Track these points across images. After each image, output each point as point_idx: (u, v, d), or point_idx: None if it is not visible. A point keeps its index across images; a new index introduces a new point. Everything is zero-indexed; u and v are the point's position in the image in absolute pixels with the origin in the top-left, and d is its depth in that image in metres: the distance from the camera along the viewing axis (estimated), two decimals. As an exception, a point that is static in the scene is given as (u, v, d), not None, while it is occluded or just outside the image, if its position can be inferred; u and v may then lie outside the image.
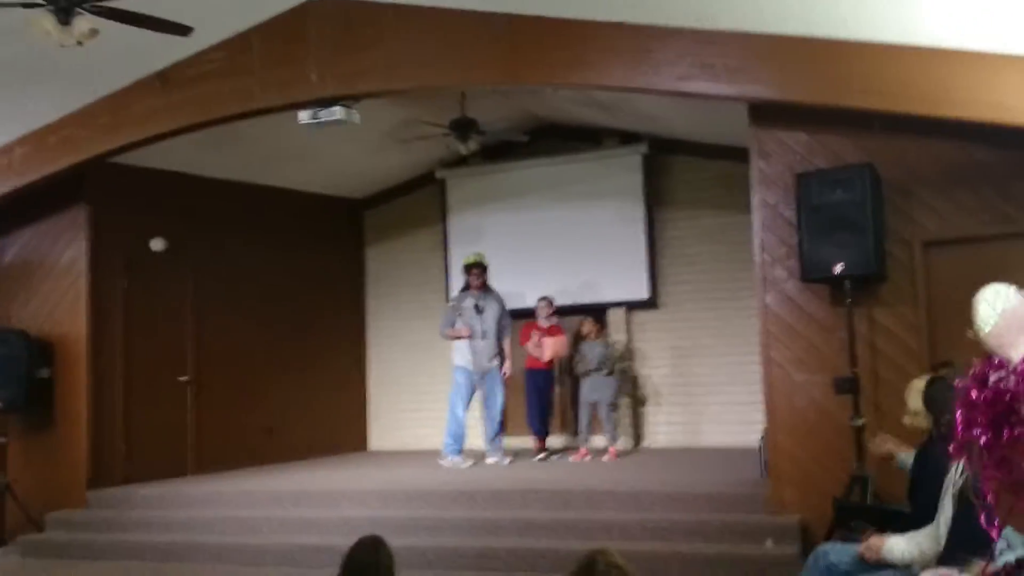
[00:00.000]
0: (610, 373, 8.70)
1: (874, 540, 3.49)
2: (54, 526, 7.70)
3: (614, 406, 8.79)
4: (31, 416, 8.05)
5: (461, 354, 8.72)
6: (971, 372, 1.51)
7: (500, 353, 8.69)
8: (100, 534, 7.42)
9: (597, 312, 9.72)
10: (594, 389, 8.67)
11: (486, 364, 8.61)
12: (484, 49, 6.42)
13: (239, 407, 9.21)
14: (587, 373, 8.75)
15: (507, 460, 8.59)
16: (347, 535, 6.57)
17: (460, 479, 7.62)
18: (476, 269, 8.68)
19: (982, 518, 1.57)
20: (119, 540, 7.26)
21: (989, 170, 5.90)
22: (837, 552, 3.61)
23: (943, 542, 3.26)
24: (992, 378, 1.46)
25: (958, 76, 5.45)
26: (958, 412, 1.51)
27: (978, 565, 2.03)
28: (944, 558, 2.67)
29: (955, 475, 3.18)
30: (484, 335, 8.59)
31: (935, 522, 3.35)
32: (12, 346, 7.89)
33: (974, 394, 1.46)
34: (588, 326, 8.85)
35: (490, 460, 8.62)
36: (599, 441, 8.93)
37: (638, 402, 9.78)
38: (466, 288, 8.81)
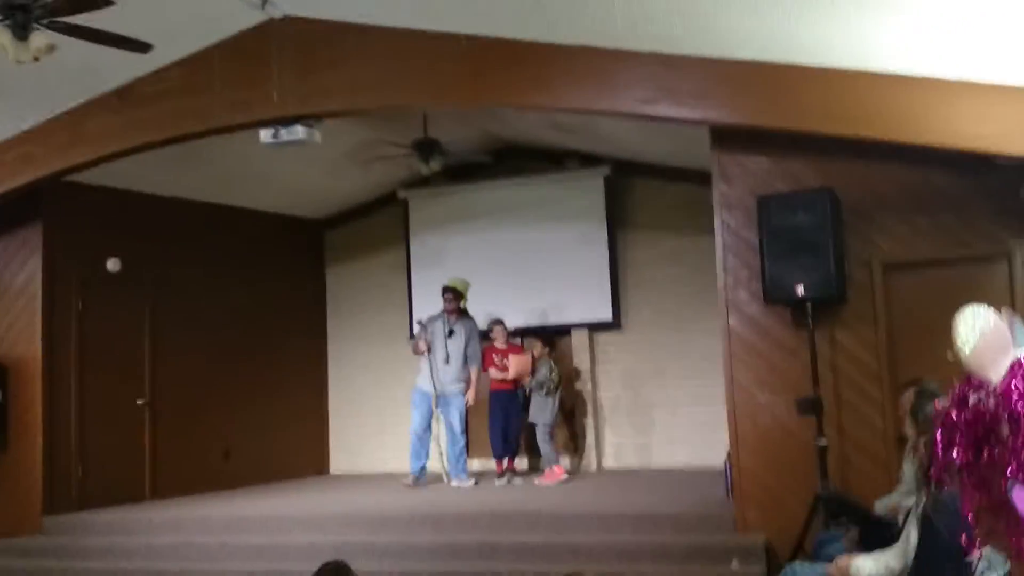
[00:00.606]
0: (549, 394, 8.67)
1: (841, 560, 3.51)
2: (8, 553, 7.48)
3: (551, 427, 8.74)
4: (-18, 441, 7.85)
5: (422, 375, 8.75)
6: (951, 393, 1.52)
7: (465, 380, 8.69)
8: (56, 561, 7.23)
9: (561, 333, 9.73)
10: (536, 410, 8.67)
11: (448, 388, 8.63)
12: (447, 70, 6.41)
13: (197, 431, 9.06)
14: (529, 394, 8.79)
15: (470, 482, 8.54)
16: (309, 560, 6.48)
17: (424, 502, 7.55)
18: (449, 294, 8.75)
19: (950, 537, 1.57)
20: (76, 567, 7.07)
21: (947, 195, 6.02)
22: (804, 572, 3.62)
23: (911, 560, 3.28)
24: (972, 399, 1.47)
25: (916, 102, 5.55)
26: (937, 433, 1.52)
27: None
28: None
29: (920, 496, 3.21)
30: (448, 359, 8.62)
31: (902, 539, 3.37)
32: (-37, 369, 7.71)
33: (954, 415, 1.46)
34: (538, 347, 8.85)
35: (454, 483, 8.57)
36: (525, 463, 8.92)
37: (598, 423, 9.77)
38: (444, 310, 8.83)
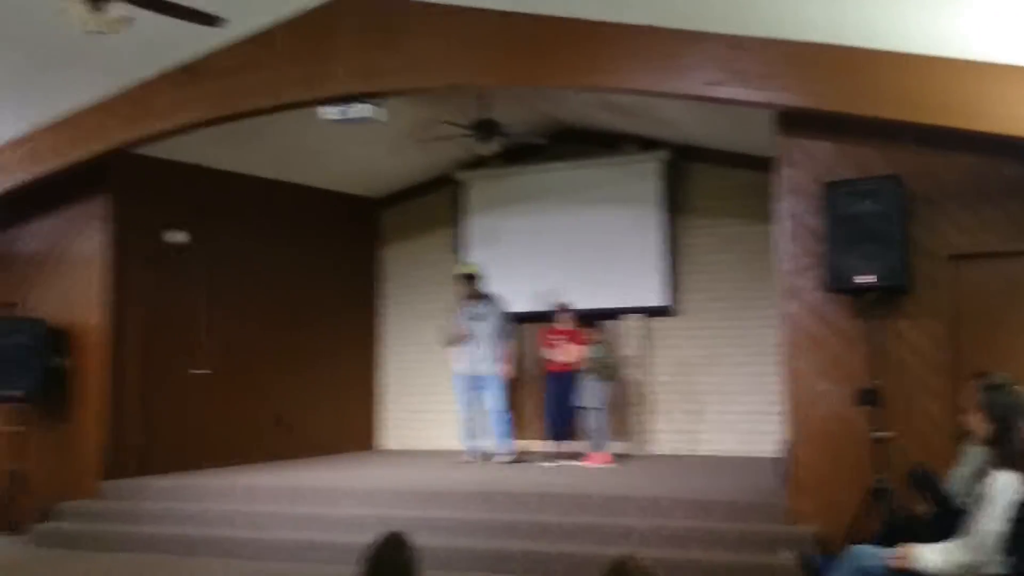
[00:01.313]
0: (603, 378, 8.65)
1: (905, 549, 3.46)
2: (68, 516, 7.68)
3: (603, 412, 8.73)
4: (47, 406, 8.05)
5: (458, 361, 8.97)
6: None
7: (499, 358, 8.90)
8: (113, 525, 7.40)
9: (614, 318, 9.71)
10: (588, 393, 8.66)
11: (482, 369, 8.83)
12: (509, 49, 6.41)
13: (251, 401, 9.21)
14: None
15: (509, 458, 8.72)
16: (357, 532, 6.58)
17: (474, 480, 7.59)
18: (464, 280, 9.00)
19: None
20: (132, 531, 7.25)
21: (1017, 185, 5.86)
22: (868, 556, 3.58)
23: (977, 553, 3.22)
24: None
25: (990, 89, 5.42)
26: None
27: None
28: (1017, 568, 2.63)
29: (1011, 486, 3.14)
30: (478, 342, 8.77)
31: (973, 532, 3.31)
32: (29, 335, 7.89)
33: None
34: (593, 331, 8.83)
35: (495, 459, 8.78)
36: (581, 446, 8.94)
37: (649, 409, 9.74)
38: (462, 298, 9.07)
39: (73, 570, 6.59)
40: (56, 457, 8.07)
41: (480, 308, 8.91)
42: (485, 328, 8.86)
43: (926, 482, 4.35)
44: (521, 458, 8.90)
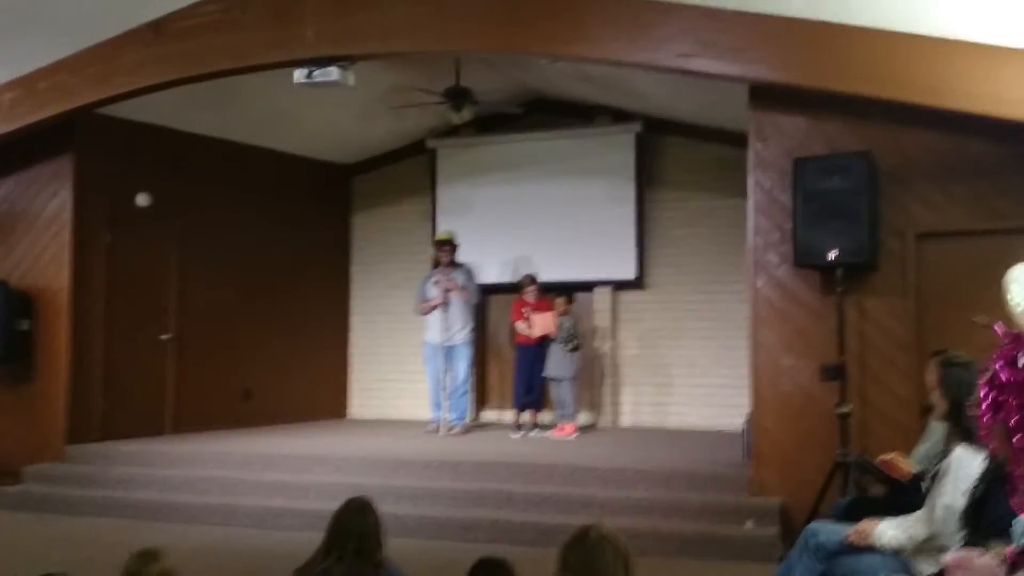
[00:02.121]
0: (572, 350, 8.68)
1: (864, 524, 3.51)
2: (31, 479, 7.63)
3: (572, 383, 8.77)
4: (10, 368, 7.95)
5: (429, 329, 8.98)
6: (999, 353, 1.50)
7: (470, 327, 8.97)
8: (78, 489, 7.36)
9: (583, 290, 9.72)
10: (555, 364, 8.68)
11: (456, 337, 8.88)
12: (483, 16, 6.34)
13: (219, 368, 9.15)
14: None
15: (459, 429, 8.80)
16: (327, 500, 6.53)
17: (443, 450, 7.61)
18: (447, 246, 8.97)
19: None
20: (97, 496, 7.21)
21: (985, 164, 5.92)
22: (826, 532, 3.62)
23: (936, 527, 3.27)
24: (1021, 360, 1.45)
25: (961, 67, 5.44)
26: (983, 394, 1.50)
27: (1001, 547, 2.03)
28: (968, 540, 2.67)
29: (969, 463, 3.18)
30: (448, 308, 8.82)
31: (928, 507, 3.36)
32: (-9, 297, 7.78)
33: (1003, 376, 1.44)
34: (560, 303, 8.84)
35: (451, 430, 8.81)
36: (546, 417, 9.04)
37: (617, 381, 9.79)
38: (436, 265, 9.05)
39: (39, 533, 6.55)
40: (21, 421, 7.98)
41: (454, 276, 8.89)
42: (458, 297, 8.86)
43: (866, 467, 4.43)
44: (473, 429, 8.96)
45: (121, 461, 7.68)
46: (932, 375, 3.57)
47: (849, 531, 3.53)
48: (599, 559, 2.51)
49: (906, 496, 3.77)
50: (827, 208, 5.78)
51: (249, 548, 6.00)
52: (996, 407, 1.33)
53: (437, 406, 8.98)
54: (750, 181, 6.36)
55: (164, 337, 8.70)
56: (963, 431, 3.22)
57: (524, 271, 9.28)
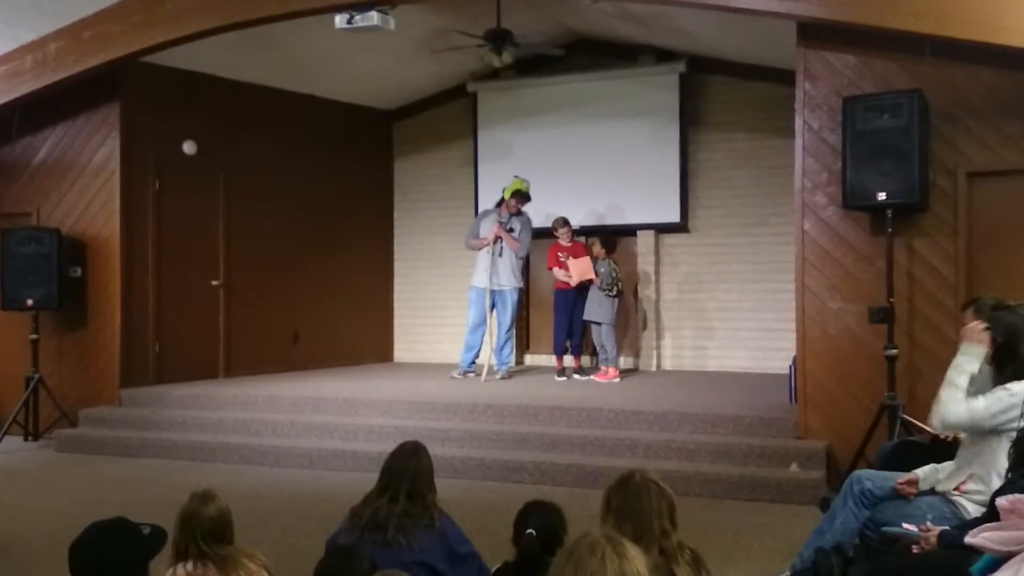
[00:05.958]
0: (613, 295, 8.65)
1: (912, 475, 3.52)
2: (88, 422, 7.86)
3: (612, 327, 8.75)
4: (63, 314, 8.14)
5: (477, 273, 8.88)
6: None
7: (519, 274, 8.87)
8: (133, 431, 7.58)
9: (626, 234, 9.67)
10: (594, 308, 8.66)
11: (503, 283, 8.76)
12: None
13: (268, 313, 9.31)
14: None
15: (502, 376, 8.70)
16: (375, 441, 6.71)
17: (488, 393, 7.68)
18: (518, 197, 8.74)
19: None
20: (151, 438, 7.42)
21: (1040, 102, 5.76)
22: (873, 479, 3.62)
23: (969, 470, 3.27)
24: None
25: (1014, 2, 5.27)
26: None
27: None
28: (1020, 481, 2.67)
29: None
30: (501, 253, 8.71)
31: (962, 452, 3.37)
32: (44, 244, 7.94)
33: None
34: (596, 247, 8.78)
35: (494, 375, 8.74)
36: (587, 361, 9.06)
37: (660, 325, 9.78)
38: (499, 204, 8.86)
39: (95, 474, 6.77)
40: (76, 365, 8.20)
41: (513, 222, 8.81)
42: (511, 243, 8.75)
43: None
44: (515, 374, 8.98)
45: (174, 404, 7.87)
46: (968, 321, 3.56)
47: (900, 477, 3.53)
48: (643, 502, 2.54)
49: (952, 442, 3.77)
50: (877, 148, 5.67)
51: (301, 488, 6.15)
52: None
53: (468, 350, 8.90)
54: (798, 121, 6.26)
55: (214, 283, 8.84)
56: (1014, 374, 3.19)
57: (554, 216, 9.17)
